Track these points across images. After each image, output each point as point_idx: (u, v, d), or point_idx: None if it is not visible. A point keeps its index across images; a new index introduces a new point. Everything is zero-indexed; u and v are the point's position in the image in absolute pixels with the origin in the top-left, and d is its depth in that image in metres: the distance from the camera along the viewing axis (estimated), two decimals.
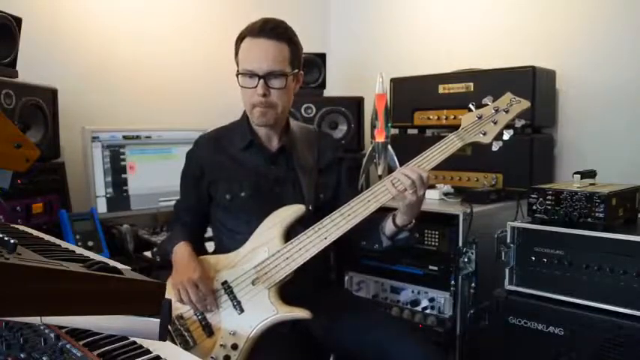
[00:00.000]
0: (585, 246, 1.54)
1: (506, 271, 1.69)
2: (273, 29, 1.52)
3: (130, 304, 0.55)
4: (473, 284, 1.89)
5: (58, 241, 0.88)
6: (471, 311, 1.90)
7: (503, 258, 1.69)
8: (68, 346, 0.85)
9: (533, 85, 2.07)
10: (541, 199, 1.65)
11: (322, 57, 2.69)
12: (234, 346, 1.43)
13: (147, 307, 0.56)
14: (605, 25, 2.22)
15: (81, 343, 0.86)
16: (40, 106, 1.94)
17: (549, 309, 1.59)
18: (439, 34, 2.74)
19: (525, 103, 1.52)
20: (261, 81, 1.50)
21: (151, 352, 0.85)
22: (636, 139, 2.16)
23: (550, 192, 1.63)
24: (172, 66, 2.61)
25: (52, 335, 0.87)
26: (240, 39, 1.57)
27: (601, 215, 1.53)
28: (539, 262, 1.63)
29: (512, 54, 2.37)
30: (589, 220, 1.55)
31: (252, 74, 1.51)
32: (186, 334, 1.47)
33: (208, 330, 1.47)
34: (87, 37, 2.34)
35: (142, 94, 2.52)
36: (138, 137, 2.31)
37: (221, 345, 1.44)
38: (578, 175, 1.74)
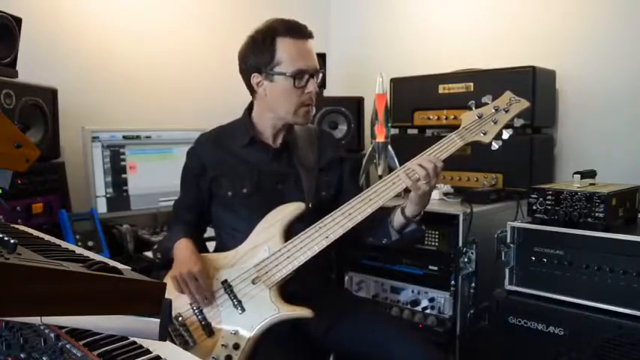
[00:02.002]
0: (585, 246, 1.54)
1: (506, 271, 1.69)
2: (307, 29, 1.56)
3: (130, 304, 0.55)
4: (473, 284, 1.90)
5: (58, 241, 0.88)
6: (471, 311, 1.90)
7: (503, 258, 1.69)
8: (68, 346, 0.85)
9: (533, 85, 2.06)
10: (541, 199, 1.65)
11: (322, 57, 2.69)
12: (236, 346, 1.43)
13: (147, 307, 0.56)
14: (605, 25, 2.22)
15: (81, 343, 0.86)
16: (40, 106, 1.94)
17: (549, 309, 1.59)
18: (439, 34, 2.74)
19: (524, 103, 1.52)
20: (313, 79, 1.54)
21: (151, 352, 0.85)
22: (636, 139, 2.16)
23: (550, 192, 1.63)
24: (172, 66, 2.61)
25: (52, 335, 0.87)
26: (270, 39, 1.52)
27: (601, 215, 1.53)
28: (539, 262, 1.63)
29: (512, 54, 2.37)
30: (589, 220, 1.55)
31: (303, 73, 1.53)
32: (185, 334, 1.47)
33: (208, 330, 1.47)
34: (87, 37, 2.34)
35: (142, 94, 2.52)
36: (138, 137, 2.31)
37: (223, 345, 1.44)
38: (578, 175, 1.74)
